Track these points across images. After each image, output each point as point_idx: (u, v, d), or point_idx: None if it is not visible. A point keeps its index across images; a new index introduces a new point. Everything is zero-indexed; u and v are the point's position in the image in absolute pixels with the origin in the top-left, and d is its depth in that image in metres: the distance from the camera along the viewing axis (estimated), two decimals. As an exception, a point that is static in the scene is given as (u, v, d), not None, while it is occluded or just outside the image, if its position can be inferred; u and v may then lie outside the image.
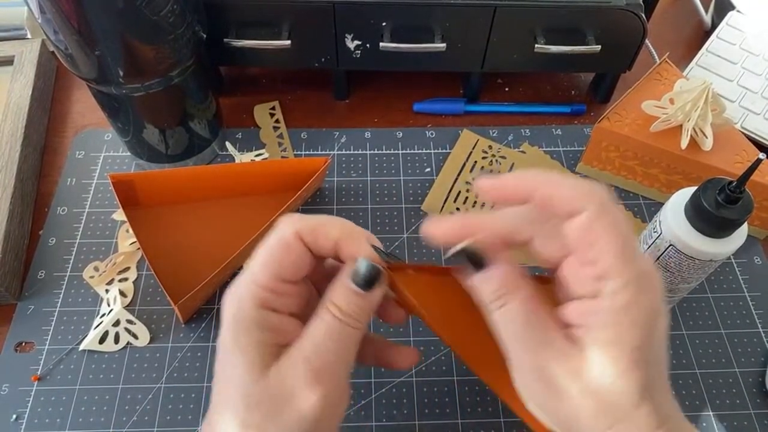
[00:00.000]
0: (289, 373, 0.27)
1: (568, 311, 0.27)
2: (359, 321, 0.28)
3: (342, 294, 0.28)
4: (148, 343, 0.45)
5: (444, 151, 0.56)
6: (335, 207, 0.52)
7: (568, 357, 0.26)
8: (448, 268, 0.32)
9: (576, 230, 0.26)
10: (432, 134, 0.58)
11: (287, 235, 0.29)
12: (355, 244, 0.29)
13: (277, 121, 0.58)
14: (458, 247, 0.28)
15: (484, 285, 0.28)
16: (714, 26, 0.64)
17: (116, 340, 0.45)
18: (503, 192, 0.28)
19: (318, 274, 0.31)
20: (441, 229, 0.29)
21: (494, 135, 0.57)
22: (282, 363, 0.27)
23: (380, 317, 0.33)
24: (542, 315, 0.27)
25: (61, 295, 0.47)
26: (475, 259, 0.28)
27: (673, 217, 0.38)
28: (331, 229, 0.29)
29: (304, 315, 0.30)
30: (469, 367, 0.29)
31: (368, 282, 0.28)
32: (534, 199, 0.27)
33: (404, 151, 0.56)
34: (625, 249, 0.25)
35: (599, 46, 0.52)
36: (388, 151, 0.56)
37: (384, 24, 0.52)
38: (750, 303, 0.48)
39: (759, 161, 0.34)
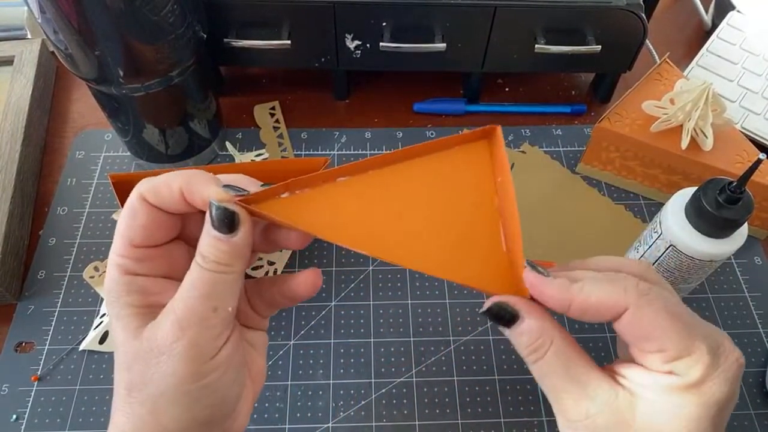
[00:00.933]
0: (158, 328, 0.27)
1: (629, 372, 0.27)
2: (228, 265, 0.27)
3: (204, 241, 0.27)
4: (148, 343, 0.45)
5: (444, 151, 0.56)
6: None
7: (613, 406, 0.26)
8: (331, 173, 0.30)
9: (626, 330, 0.26)
10: (432, 134, 0.58)
11: (132, 199, 0.28)
12: (201, 187, 0.27)
13: (277, 121, 0.58)
14: (488, 303, 0.28)
15: (519, 339, 0.27)
16: (714, 26, 0.64)
17: (116, 340, 0.45)
18: (544, 301, 0.28)
19: (194, 230, 0.30)
20: (545, 295, 0.28)
21: (494, 135, 0.57)
22: (156, 320, 0.27)
23: (281, 246, 0.31)
24: (579, 361, 0.27)
25: (61, 295, 0.47)
26: (506, 315, 0.27)
27: (673, 218, 0.38)
28: (173, 180, 0.28)
29: (181, 272, 0.29)
30: (391, 261, 0.28)
31: (225, 224, 0.27)
32: (572, 312, 0.27)
33: (404, 151, 0.56)
34: (684, 327, 0.25)
35: (599, 46, 0.52)
36: (388, 151, 0.56)
37: (384, 24, 0.52)
38: (750, 303, 0.48)
39: (759, 161, 0.34)
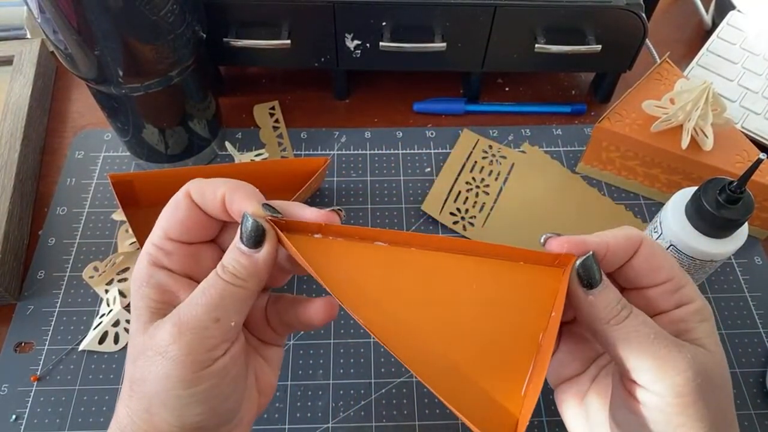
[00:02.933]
0: (161, 327, 0.27)
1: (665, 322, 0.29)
2: (244, 280, 0.27)
3: (229, 253, 0.28)
4: (148, 344, 0.45)
5: (444, 151, 0.56)
6: (335, 207, 0.52)
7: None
8: (370, 232, 0.28)
9: (644, 262, 0.29)
10: (432, 134, 0.58)
11: (178, 194, 0.29)
12: (242, 199, 0.28)
13: (276, 120, 0.58)
14: (579, 260, 0.28)
15: (605, 298, 0.28)
16: (714, 26, 0.64)
17: (116, 340, 0.45)
18: (567, 247, 0.29)
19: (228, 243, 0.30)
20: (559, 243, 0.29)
21: (494, 135, 0.57)
22: (163, 319, 0.27)
23: (301, 323, 0.31)
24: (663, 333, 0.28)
25: (61, 296, 0.47)
26: (590, 275, 0.28)
27: (673, 217, 0.38)
28: (218, 186, 0.28)
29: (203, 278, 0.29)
30: (393, 353, 0.25)
31: (252, 238, 0.27)
32: (609, 256, 0.29)
33: (404, 151, 0.56)
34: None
35: (599, 46, 0.52)
36: (388, 151, 0.56)
37: (384, 24, 0.52)
38: (750, 303, 0.48)
39: (759, 161, 0.34)
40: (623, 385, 0.28)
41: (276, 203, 0.29)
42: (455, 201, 0.52)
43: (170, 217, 0.29)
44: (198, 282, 0.29)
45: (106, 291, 0.47)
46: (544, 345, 0.27)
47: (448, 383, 0.25)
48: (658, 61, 0.55)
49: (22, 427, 0.41)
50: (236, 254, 0.28)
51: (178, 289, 0.29)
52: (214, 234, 0.30)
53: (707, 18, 0.68)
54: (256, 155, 0.55)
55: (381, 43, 0.52)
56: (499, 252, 0.28)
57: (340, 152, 0.56)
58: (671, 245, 0.39)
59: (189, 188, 0.29)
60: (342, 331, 0.46)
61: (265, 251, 0.28)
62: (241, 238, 0.28)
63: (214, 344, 0.27)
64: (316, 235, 0.28)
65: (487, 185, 0.53)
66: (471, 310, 0.27)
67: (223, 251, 0.30)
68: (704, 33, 0.68)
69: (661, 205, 0.53)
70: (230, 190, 0.28)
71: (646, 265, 0.29)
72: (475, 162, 0.55)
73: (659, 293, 0.29)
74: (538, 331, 0.27)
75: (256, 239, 0.27)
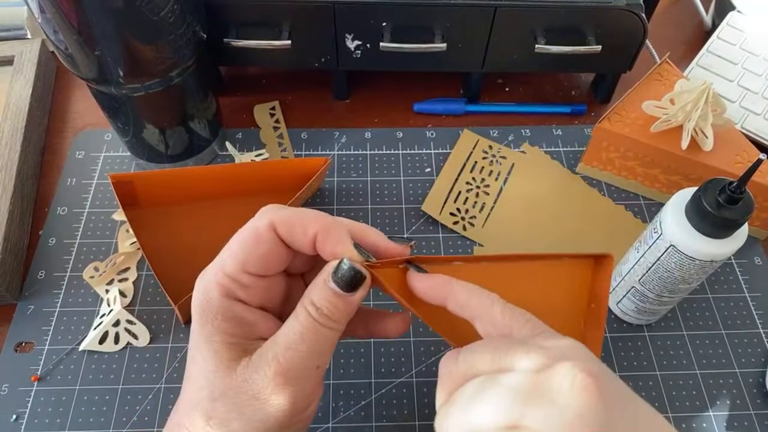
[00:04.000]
0: (257, 370, 0.26)
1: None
2: (337, 323, 0.27)
3: (322, 294, 0.27)
4: (148, 344, 0.45)
5: (444, 151, 0.56)
6: (335, 207, 0.52)
7: None
8: (446, 258, 0.31)
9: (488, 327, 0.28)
10: (432, 134, 0.58)
11: (261, 225, 0.27)
12: (336, 241, 0.27)
13: (277, 121, 0.58)
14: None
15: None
16: (714, 26, 0.64)
17: (116, 340, 0.45)
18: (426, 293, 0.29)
19: (307, 265, 0.30)
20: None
21: (495, 135, 0.57)
22: (253, 359, 0.26)
23: (375, 335, 0.32)
24: None
25: (61, 296, 0.47)
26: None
27: (673, 218, 0.38)
28: (309, 223, 0.27)
29: (282, 309, 0.29)
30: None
31: (350, 285, 0.27)
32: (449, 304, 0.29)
33: (404, 151, 0.56)
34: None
35: (599, 47, 0.52)
36: (388, 151, 0.56)
37: (384, 24, 0.52)
38: (750, 303, 0.48)
39: (759, 162, 0.34)
40: None
41: (359, 231, 0.28)
42: (455, 201, 0.52)
43: (251, 251, 0.27)
44: (269, 310, 0.28)
45: (107, 291, 0.47)
46: (589, 331, 0.31)
47: None
48: (658, 61, 0.55)
49: (23, 427, 0.41)
50: (329, 295, 0.27)
51: (255, 322, 0.28)
52: (288, 263, 0.29)
53: (707, 18, 0.68)
54: (257, 155, 0.55)
55: (381, 44, 0.52)
56: (546, 255, 0.32)
57: (340, 152, 0.56)
58: (671, 245, 0.39)
59: (273, 220, 0.27)
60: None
61: (360, 294, 0.27)
62: (337, 282, 0.27)
63: (312, 391, 0.27)
64: (401, 266, 0.30)
65: (487, 185, 0.53)
66: (526, 308, 0.29)
67: (290, 276, 0.29)
68: (704, 33, 0.68)
69: (660, 205, 0.53)
70: (323, 231, 0.27)
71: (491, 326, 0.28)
72: (475, 162, 0.55)
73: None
74: (580, 318, 0.31)
75: (354, 284, 0.27)
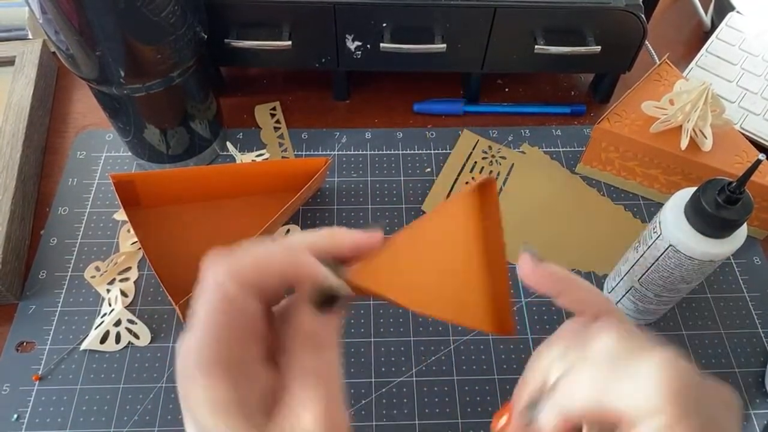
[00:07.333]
0: (299, 421, 0.22)
1: None
2: (332, 339, 0.25)
3: (310, 325, 0.24)
4: (149, 343, 0.45)
5: (444, 151, 0.56)
6: (335, 207, 0.52)
7: None
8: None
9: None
10: (432, 134, 0.58)
11: (228, 286, 0.22)
12: (306, 272, 0.24)
13: (277, 121, 0.59)
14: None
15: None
16: (714, 27, 0.64)
17: (117, 339, 0.45)
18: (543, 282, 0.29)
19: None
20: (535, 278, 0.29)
21: (494, 135, 0.58)
22: (276, 424, 0.23)
23: None
24: None
25: (62, 295, 0.47)
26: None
27: (672, 218, 0.38)
28: (272, 263, 0.24)
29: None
30: (420, 311, 0.29)
31: (331, 302, 0.25)
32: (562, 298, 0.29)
33: (404, 152, 0.56)
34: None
35: (599, 47, 0.52)
36: (388, 152, 0.56)
37: (384, 25, 0.52)
38: (750, 303, 0.48)
39: (759, 162, 0.34)
40: None
41: (323, 239, 0.26)
42: (455, 201, 0.52)
43: (231, 323, 0.23)
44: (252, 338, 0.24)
45: (108, 291, 0.47)
46: (489, 246, 0.32)
47: (451, 312, 0.30)
48: (658, 62, 0.55)
49: (24, 427, 0.41)
50: (320, 325, 0.24)
51: (261, 378, 0.24)
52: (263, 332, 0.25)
53: (706, 19, 0.68)
54: (257, 155, 0.55)
55: (381, 44, 0.52)
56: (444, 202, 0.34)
57: (340, 152, 0.56)
58: (670, 246, 0.39)
59: (234, 272, 0.23)
60: (342, 330, 0.46)
61: (341, 305, 0.25)
62: (321, 310, 0.24)
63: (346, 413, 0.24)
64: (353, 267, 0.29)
65: (487, 186, 0.54)
66: (440, 252, 0.31)
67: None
68: (703, 34, 0.68)
69: (660, 205, 0.53)
70: (292, 266, 0.24)
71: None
72: (475, 162, 0.55)
73: None
74: (478, 239, 0.32)
75: (334, 301, 0.25)
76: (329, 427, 0.23)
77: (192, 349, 0.22)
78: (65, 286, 0.47)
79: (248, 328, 0.23)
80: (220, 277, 0.22)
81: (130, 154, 0.54)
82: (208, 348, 0.22)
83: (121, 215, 0.51)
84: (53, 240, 0.50)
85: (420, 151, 0.56)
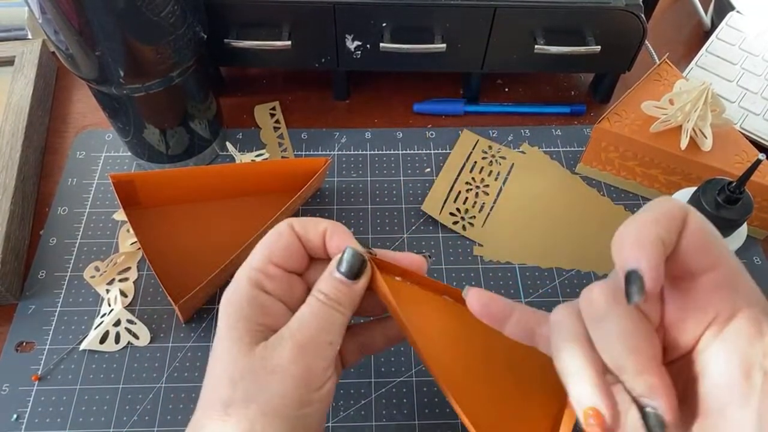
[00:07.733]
0: (275, 349, 0.28)
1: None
2: (344, 306, 0.30)
3: (328, 282, 0.30)
4: (149, 343, 0.45)
5: (444, 151, 0.56)
6: (335, 207, 0.52)
7: None
8: (439, 286, 0.33)
9: (694, 238, 0.27)
10: (432, 134, 0.58)
11: (281, 225, 0.32)
12: (341, 236, 0.31)
13: (277, 121, 0.59)
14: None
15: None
16: (714, 27, 0.64)
17: (117, 340, 0.45)
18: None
19: (313, 277, 0.33)
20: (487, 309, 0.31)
21: (494, 135, 0.58)
22: (270, 341, 0.29)
23: (393, 340, 0.35)
24: None
25: (62, 295, 0.47)
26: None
27: (672, 218, 0.38)
28: (320, 223, 0.32)
29: (295, 307, 0.31)
30: (435, 378, 0.31)
31: (353, 271, 0.30)
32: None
33: (404, 152, 0.56)
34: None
35: (599, 47, 0.52)
36: (388, 152, 0.56)
37: (384, 24, 0.52)
38: (749, 303, 0.48)
39: (759, 162, 0.34)
40: None
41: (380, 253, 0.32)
42: (455, 201, 0.52)
43: (274, 244, 0.31)
44: (290, 307, 0.31)
45: (107, 291, 0.47)
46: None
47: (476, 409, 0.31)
48: (658, 61, 0.55)
49: (23, 427, 0.41)
50: (335, 283, 0.30)
51: (277, 313, 0.30)
52: (305, 267, 0.33)
53: (706, 19, 0.68)
54: (257, 155, 0.55)
55: (381, 44, 0.52)
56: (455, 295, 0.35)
57: (340, 152, 0.56)
58: (670, 245, 0.39)
59: (291, 221, 0.32)
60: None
61: (362, 282, 0.31)
62: (340, 269, 0.30)
63: (327, 365, 0.29)
64: (396, 278, 0.33)
65: (487, 185, 0.54)
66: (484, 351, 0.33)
67: (310, 286, 0.32)
68: (703, 34, 0.68)
69: (660, 205, 0.53)
70: (332, 228, 0.31)
71: (697, 236, 0.27)
72: (475, 162, 0.55)
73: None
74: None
75: (357, 271, 0.30)
76: (302, 365, 0.28)
77: (244, 263, 0.31)
78: (65, 286, 0.47)
79: (285, 256, 0.31)
80: (279, 224, 0.32)
81: (129, 154, 0.54)
82: (256, 260, 0.31)
83: (120, 215, 0.51)
84: (53, 240, 0.50)
85: (420, 151, 0.56)
